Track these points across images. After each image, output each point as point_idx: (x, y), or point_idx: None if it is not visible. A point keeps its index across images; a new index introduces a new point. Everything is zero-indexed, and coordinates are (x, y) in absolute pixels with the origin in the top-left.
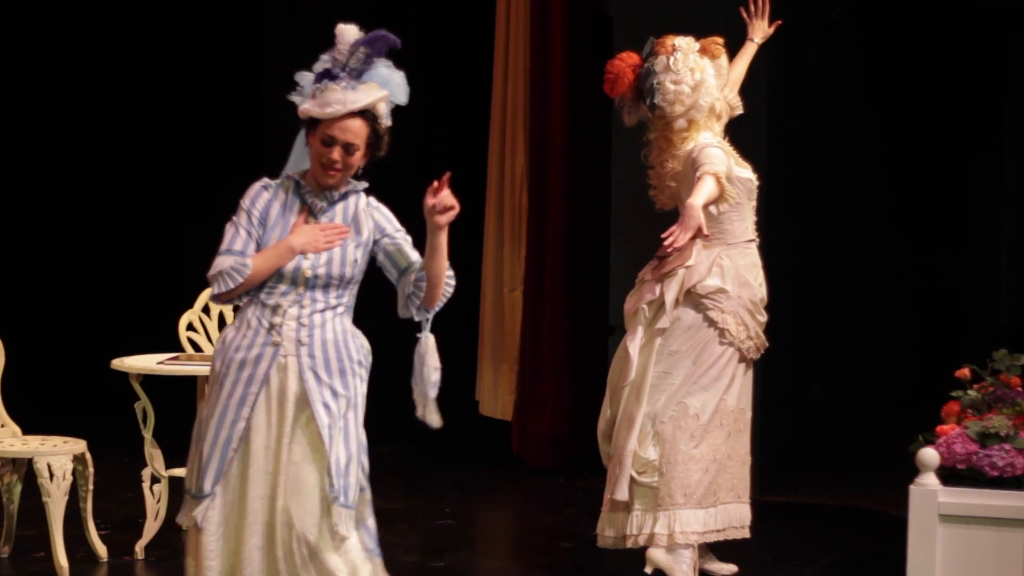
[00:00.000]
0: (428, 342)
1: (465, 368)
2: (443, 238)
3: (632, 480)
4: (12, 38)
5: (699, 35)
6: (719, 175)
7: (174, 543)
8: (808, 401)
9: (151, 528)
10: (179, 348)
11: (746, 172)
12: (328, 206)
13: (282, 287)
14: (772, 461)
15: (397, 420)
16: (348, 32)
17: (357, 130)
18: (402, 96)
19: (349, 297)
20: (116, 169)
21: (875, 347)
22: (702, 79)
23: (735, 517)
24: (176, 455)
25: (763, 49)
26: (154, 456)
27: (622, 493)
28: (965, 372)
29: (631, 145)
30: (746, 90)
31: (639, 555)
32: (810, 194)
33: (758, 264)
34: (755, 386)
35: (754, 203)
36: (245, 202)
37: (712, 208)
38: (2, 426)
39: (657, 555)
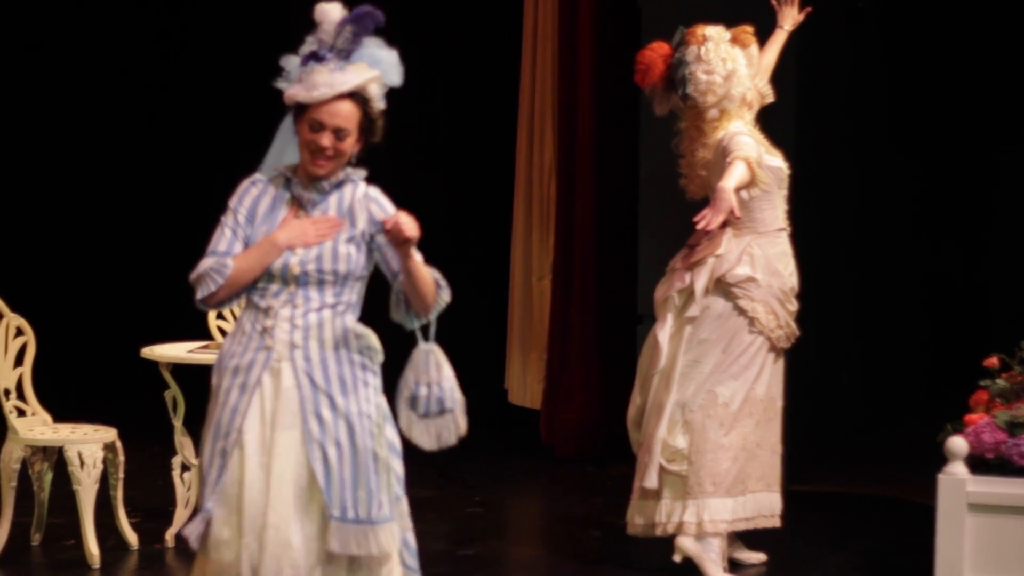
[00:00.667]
0: (433, 356)
1: (494, 356)
2: (410, 263)
3: (661, 468)
4: (69, 22)
5: (728, 23)
6: (750, 160)
7: None
8: (837, 390)
9: (181, 516)
10: (209, 336)
11: (776, 161)
12: (320, 197)
13: (273, 287)
14: (800, 450)
15: None
16: (332, 11)
17: (347, 114)
18: (395, 76)
19: (350, 294)
20: (148, 156)
21: (903, 335)
22: (734, 69)
23: (765, 506)
24: None
25: (791, 38)
26: (184, 444)
27: (651, 481)
28: (993, 361)
29: (660, 134)
30: (774, 79)
31: (668, 543)
32: (838, 182)
33: (789, 253)
34: (784, 375)
35: (784, 192)
36: (232, 201)
37: (743, 193)
38: (33, 414)
39: (686, 543)
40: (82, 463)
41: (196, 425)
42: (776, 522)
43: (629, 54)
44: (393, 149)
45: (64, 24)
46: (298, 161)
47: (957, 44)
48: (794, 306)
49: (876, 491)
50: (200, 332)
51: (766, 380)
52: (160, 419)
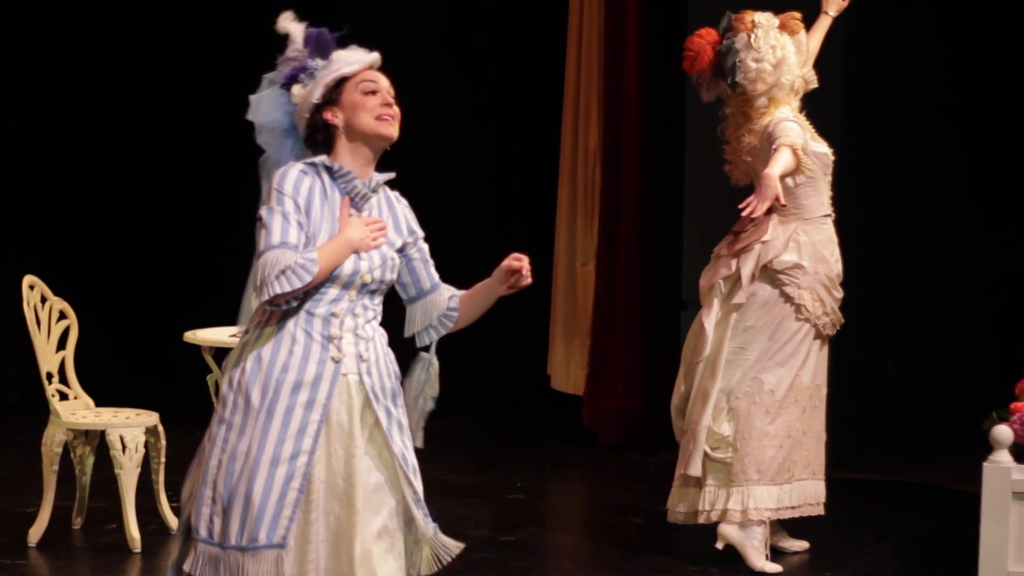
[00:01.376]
0: (434, 370)
1: (537, 342)
2: (501, 292)
3: (706, 455)
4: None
5: (775, 9)
6: (796, 146)
7: None
8: (881, 377)
9: None
10: None
11: (822, 147)
12: (370, 195)
13: (332, 292)
14: (845, 437)
15: (469, 394)
16: (295, 31)
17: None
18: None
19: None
20: (190, 143)
21: (948, 323)
22: (783, 56)
23: (810, 494)
24: None
25: (839, 23)
26: None
27: (695, 468)
28: None
29: (705, 120)
30: (820, 64)
31: (710, 531)
32: (884, 168)
33: (834, 240)
34: (829, 362)
35: (830, 178)
36: (286, 186)
37: (788, 180)
38: (75, 398)
39: (729, 531)
40: (124, 447)
41: None
42: (820, 510)
43: (675, 38)
44: (440, 135)
45: (120, 14)
46: (318, 156)
47: (1011, 27)
48: (840, 293)
49: (920, 479)
50: None
51: (812, 367)
52: (202, 403)
